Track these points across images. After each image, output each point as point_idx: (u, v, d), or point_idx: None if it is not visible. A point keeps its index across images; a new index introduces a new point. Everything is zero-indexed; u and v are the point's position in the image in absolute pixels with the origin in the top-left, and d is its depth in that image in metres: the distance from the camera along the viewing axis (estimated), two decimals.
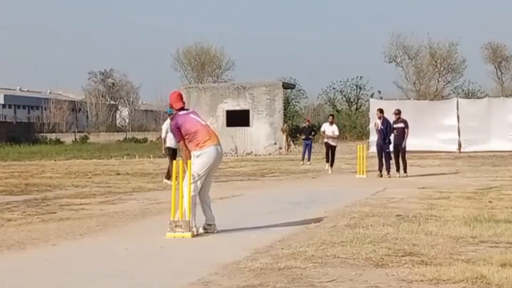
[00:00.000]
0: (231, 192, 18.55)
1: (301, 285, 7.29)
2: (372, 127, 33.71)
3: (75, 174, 28.09)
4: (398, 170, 23.87)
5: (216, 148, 11.09)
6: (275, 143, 48.05)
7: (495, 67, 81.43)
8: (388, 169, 23.66)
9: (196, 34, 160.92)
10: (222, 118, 48.58)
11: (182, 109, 11.36)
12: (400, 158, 23.96)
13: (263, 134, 48.11)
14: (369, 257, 8.57)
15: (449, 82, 75.20)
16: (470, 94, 69.40)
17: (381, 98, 57.70)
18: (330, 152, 27.91)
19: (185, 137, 11.10)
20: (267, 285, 7.28)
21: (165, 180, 21.42)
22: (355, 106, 71.64)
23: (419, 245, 9.38)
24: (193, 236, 10.58)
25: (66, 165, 36.34)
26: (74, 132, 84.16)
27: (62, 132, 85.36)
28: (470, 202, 14.85)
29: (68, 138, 76.40)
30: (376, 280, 7.47)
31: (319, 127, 46.05)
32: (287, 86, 55.02)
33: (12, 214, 14.38)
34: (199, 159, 10.92)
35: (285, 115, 50.98)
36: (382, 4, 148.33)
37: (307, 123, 37.44)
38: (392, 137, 23.89)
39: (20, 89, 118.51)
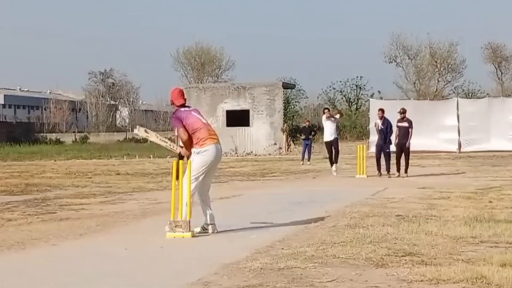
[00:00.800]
0: (231, 192, 18.55)
1: (301, 285, 7.29)
2: (372, 127, 33.71)
3: (75, 174, 28.09)
4: (398, 170, 23.86)
5: (216, 146, 11.09)
6: (275, 143, 48.04)
7: (495, 67, 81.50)
8: (388, 169, 23.67)
9: (196, 34, 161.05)
10: (222, 118, 48.58)
11: (183, 105, 11.34)
12: (403, 158, 23.97)
13: (263, 134, 48.10)
14: (369, 257, 8.57)
15: (449, 82, 75.29)
16: (470, 94, 69.47)
17: (381, 98, 57.78)
18: (334, 151, 25.27)
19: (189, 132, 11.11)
20: (267, 285, 7.28)
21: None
22: (355, 106, 71.73)
23: (419, 245, 9.38)
24: (193, 236, 10.58)
25: (66, 165, 36.34)
26: (74, 132, 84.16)
27: (62, 132, 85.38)
28: (470, 202, 14.85)
29: (68, 138, 76.39)
30: (376, 280, 7.47)
31: (319, 127, 46.11)
32: (287, 86, 55.04)
33: (12, 214, 14.38)
34: (199, 157, 10.90)
35: (285, 115, 50.97)
36: (382, 4, 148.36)
37: (307, 123, 37.47)
38: (393, 136, 23.91)
39: (20, 89, 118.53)
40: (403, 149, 23.99)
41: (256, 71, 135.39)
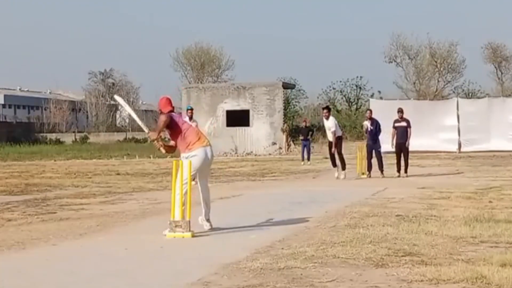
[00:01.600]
0: (231, 192, 18.55)
1: (301, 285, 7.29)
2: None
3: (75, 174, 28.09)
4: (399, 170, 23.86)
5: (205, 149, 11.16)
6: (275, 143, 48.02)
7: (495, 67, 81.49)
8: (381, 169, 23.63)
9: (196, 34, 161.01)
10: (222, 118, 48.56)
11: (171, 112, 11.44)
12: (403, 158, 23.96)
13: (263, 134, 48.08)
14: (369, 257, 8.58)
15: (449, 82, 75.27)
16: (470, 94, 69.47)
17: (381, 98, 57.81)
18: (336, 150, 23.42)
19: (178, 135, 11.19)
20: (267, 285, 7.28)
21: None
22: (355, 106, 71.71)
23: (419, 245, 9.38)
24: (193, 236, 10.58)
25: (66, 165, 36.34)
26: (74, 132, 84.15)
27: (62, 132, 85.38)
28: (470, 202, 14.85)
29: (68, 138, 76.38)
30: (376, 280, 7.47)
31: (319, 127, 46.12)
32: (287, 86, 55.03)
33: (12, 214, 14.39)
34: (187, 162, 10.95)
35: (285, 115, 50.97)
36: (382, 4, 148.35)
37: (305, 123, 37.48)
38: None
39: (20, 89, 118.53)
40: (402, 149, 23.98)
41: (256, 71, 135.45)
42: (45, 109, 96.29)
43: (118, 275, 8.05)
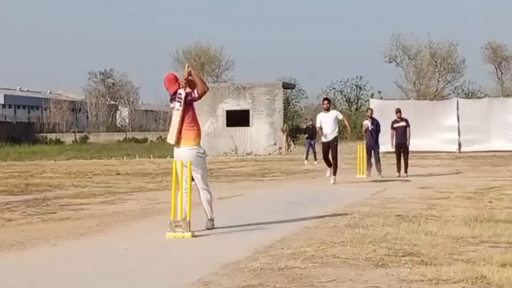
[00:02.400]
0: (231, 192, 18.55)
1: (301, 285, 7.29)
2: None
3: (75, 174, 28.09)
4: (399, 170, 23.88)
5: (176, 150, 11.16)
6: (275, 143, 48.05)
7: (495, 67, 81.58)
8: (379, 170, 23.62)
9: (195, 34, 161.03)
10: (222, 118, 48.58)
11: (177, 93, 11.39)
12: (402, 158, 23.97)
13: (263, 134, 48.10)
14: (369, 257, 8.58)
15: (449, 82, 75.37)
16: (470, 94, 69.52)
17: (381, 98, 57.79)
18: (330, 153, 21.37)
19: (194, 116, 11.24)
20: (267, 285, 7.28)
21: None
22: (355, 106, 71.72)
23: (419, 245, 9.38)
24: (193, 236, 10.58)
25: (66, 165, 36.35)
26: (74, 132, 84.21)
27: (62, 132, 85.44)
28: (470, 202, 14.85)
29: (68, 138, 76.44)
30: (376, 280, 7.47)
31: (321, 127, 45.99)
32: (287, 86, 55.05)
33: (12, 214, 14.39)
34: (188, 162, 10.99)
35: (285, 115, 51.00)
36: (382, 4, 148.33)
37: (311, 123, 37.56)
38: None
39: (20, 89, 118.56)
40: (403, 149, 24.00)
41: (256, 71, 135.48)
42: (45, 109, 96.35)
43: (118, 275, 8.05)
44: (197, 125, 11.27)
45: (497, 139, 43.95)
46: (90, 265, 8.70)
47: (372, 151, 23.74)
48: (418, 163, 30.64)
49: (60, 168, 32.68)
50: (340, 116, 21.46)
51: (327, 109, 21.21)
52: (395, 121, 24.23)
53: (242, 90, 48.95)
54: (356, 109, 70.12)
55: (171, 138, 11.10)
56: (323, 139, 21.28)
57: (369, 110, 24.96)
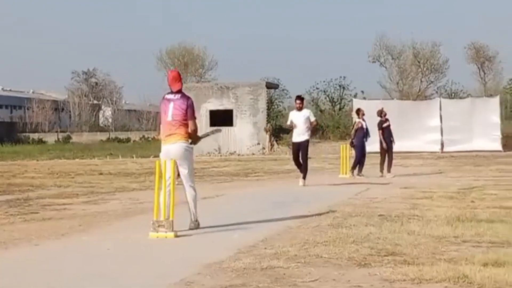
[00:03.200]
0: (214, 192, 18.53)
1: (284, 285, 7.29)
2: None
3: (57, 174, 27.99)
4: (382, 170, 23.94)
5: (165, 148, 11.18)
6: (258, 143, 48.04)
7: (478, 67, 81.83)
8: (361, 169, 23.76)
9: (179, 34, 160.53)
10: (206, 118, 48.47)
11: (180, 91, 11.39)
12: (388, 157, 24.03)
13: (246, 134, 48.08)
14: (351, 257, 8.59)
15: (432, 82, 75.39)
16: (453, 94, 69.62)
17: (364, 98, 57.79)
18: (300, 155, 20.33)
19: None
20: (250, 285, 7.28)
21: None
22: (338, 106, 71.72)
23: (401, 244, 9.40)
24: (176, 236, 10.57)
25: (49, 165, 36.19)
26: (57, 131, 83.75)
27: (44, 131, 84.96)
28: (452, 202, 14.90)
29: (50, 138, 76.03)
30: (359, 280, 7.48)
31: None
32: (270, 86, 55.02)
33: None
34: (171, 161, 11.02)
35: (268, 115, 50.99)
36: (366, 4, 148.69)
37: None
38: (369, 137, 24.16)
39: (2, 88, 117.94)
40: (390, 148, 24.07)
41: (240, 71, 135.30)
42: (27, 109, 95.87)
43: (101, 275, 8.02)
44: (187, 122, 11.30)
45: (479, 139, 44.17)
46: (72, 265, 8.67)
47: (359, 150, 23.88)
48: (401, 163, 30.71)
49: (42, 168, 32.54)
50: (312, 118, 20.32)
51: (300, 109, 20.19)
52: (382, 121, 24.26)
53: (225, 90, 48.92)
54: (340, 109, 70.04)
55: (163, 134, 11.22)
56: (293, 139, 20.52)
57: (362, 110, 24.91)
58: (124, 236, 10.99)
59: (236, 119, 48.24)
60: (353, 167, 24.02)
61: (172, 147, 11.11)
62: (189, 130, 11.15)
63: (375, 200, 15.49)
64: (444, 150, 43.79)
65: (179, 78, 11.53)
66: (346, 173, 24.03)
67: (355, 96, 61.83)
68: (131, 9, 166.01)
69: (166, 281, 7.54)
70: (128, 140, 73.79)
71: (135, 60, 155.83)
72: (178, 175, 11.13)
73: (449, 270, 7.65)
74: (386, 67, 76.01)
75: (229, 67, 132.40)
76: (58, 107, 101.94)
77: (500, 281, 7.18)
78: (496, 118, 45.31)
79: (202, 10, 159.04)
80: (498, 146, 44.29)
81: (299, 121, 20.01)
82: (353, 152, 24.49)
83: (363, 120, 24.27)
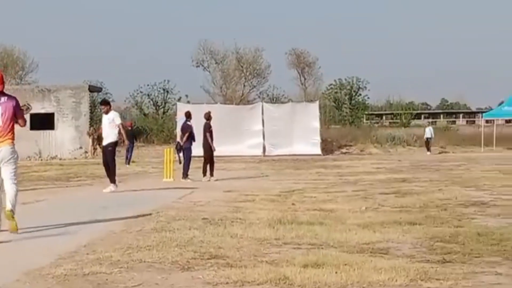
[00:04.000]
0: (34, 197, 18.03)
1: None
2: (179, 131, 33.89)
3: None
4: (205, 173, 24.09)
5: None
6: (80, 147, 47.27)
7: (299, 73, 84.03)
8: (187, 172, 23.92)
9: None
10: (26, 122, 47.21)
11: (2, 93, 11.17)
12: (211, 161, 24.19)
13: (68, 137, 47.22)
14: (175, 261, 8.59)
15: (254, 86, 76.74)
16: (274, 99, 71.10)
17: (188, 102, 58.05)
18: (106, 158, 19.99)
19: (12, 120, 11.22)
20: None
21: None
22: (162, 109, 71.69)
23: (224, 247, 9.49)
24: None
25: None
26: None
27: None
28: (274, 205, 15.18)
29: None
30: (182, 283, 7.49)
31: (141, 131, 46.13)
32: (93, 89, 54.28)
33: None
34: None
35: (91, 118, 50.30)
36: (189, 9, 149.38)
37: (130, 127, 37.72)
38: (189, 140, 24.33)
39: None
40: (211, 152, 24.24)
41: (62, 73, 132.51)
42: None
43: None
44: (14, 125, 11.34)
45: (300, 143, 45.39)
46: None
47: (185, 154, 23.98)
48: (224, 166, 31.04)
49: None
50: (118, 121, 19.79)
51: (106, 112, 19.95)
52: (210, 125, 24.36)
53: (46, 93, 47.87)
54: (164, 112, 70.08)
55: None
56: (102, 143, 20.28)
57: (189, 113, 25.07)
58: None
59: (57, 123, 47.29)
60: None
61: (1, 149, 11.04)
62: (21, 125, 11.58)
63: (198, 204, 15.56)
64: (266, 153, 44.66)
65: (1, 80, 11.23)
66: (170, 177, 24.03)
67: (179, 100, 61.98)
68: None
69: None
70: None
71: None
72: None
73: (270, 272, 7.79)
74: (209, 72, 76.68)
75: (51, 70, 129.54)
76: None
77: (319, 282, 7.38)
78: (316, 123, 46.71)
79: (20, 12, 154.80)
80: (317, 150, 45.69)
81: (105, 124, 19.88)
82: (180, 155, 24.40)
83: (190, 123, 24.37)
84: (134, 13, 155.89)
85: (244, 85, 76.33)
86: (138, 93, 72.50)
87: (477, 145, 52.87)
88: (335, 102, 77.59)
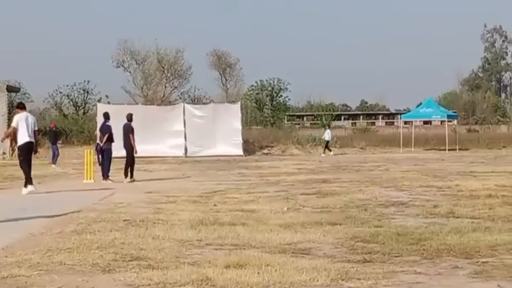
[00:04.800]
0: None
1: None
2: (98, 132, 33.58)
3: None
4: (127, 175, 23.91)
5: None
6: None
7: (220, 74, 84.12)
8: (108, 173, 23.73)
9: None
10: None
11: None
12: (130, 162, 24.01)
13: None
14: (96, 263, 8.51)
15: (176, 87, 76.53)
16: (196, 100, 71.07)
17: (108, 102, 57.59)
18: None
19: None
20: None
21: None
22: (82, 110, 70.95)
23: (146, 249, 9.44)
24: None
25: None
26: None
27: None
28: (196, 206, 15.17)
29: None
30: (103, 285, 7.44)
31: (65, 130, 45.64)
32: (11, 89, 53.39)
33: None
34: None
35: (9, 119, 49.41)
36: (108, 8, 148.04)
37: (53, 126, 37.48)
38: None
39: None
40: (132, 153, 24.06)
41: None
42: None
43: None
44: None
45: (222, 144, 45.43)
46: None
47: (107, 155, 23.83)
48: (145, 167, 30.86)
49: None
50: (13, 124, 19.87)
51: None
52: (131, 126, 24.20)
53: None
54: (84, 113, 69.37)
55: None
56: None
57: (108, 114, 24.92)
58: None
59: None
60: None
61: None
62: None
63: (120, 205, 15.44)
64: (188, 154, 44.57)
65: None
66: (90, 178, 23.78)
67: (99, 101, 61.44)
68: None
69: None
70: None
71: None
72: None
73: (192, 273, 7.78)
74: (130, 72, 76.12)
75: None
76: None
77: (242, 282, 7.40)
78: (237, 124, 46.83)
79: None
80: (239, 151, 45.80)
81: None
82: (100, 157, 24.17)
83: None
84: (50, 8, 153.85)
85: (165, 86, 76.01)
86: (57, 94, 71.71)
87: (396, 146, 53.78)
88: (256, 103, 78.05)
